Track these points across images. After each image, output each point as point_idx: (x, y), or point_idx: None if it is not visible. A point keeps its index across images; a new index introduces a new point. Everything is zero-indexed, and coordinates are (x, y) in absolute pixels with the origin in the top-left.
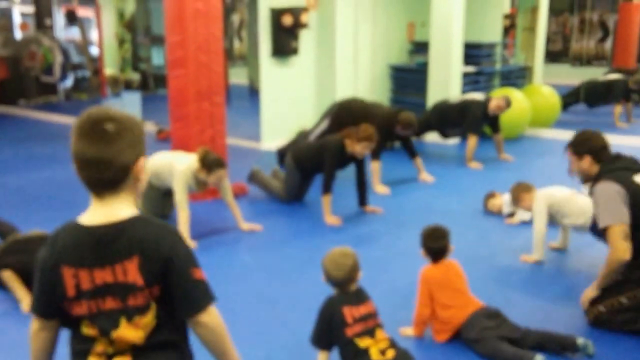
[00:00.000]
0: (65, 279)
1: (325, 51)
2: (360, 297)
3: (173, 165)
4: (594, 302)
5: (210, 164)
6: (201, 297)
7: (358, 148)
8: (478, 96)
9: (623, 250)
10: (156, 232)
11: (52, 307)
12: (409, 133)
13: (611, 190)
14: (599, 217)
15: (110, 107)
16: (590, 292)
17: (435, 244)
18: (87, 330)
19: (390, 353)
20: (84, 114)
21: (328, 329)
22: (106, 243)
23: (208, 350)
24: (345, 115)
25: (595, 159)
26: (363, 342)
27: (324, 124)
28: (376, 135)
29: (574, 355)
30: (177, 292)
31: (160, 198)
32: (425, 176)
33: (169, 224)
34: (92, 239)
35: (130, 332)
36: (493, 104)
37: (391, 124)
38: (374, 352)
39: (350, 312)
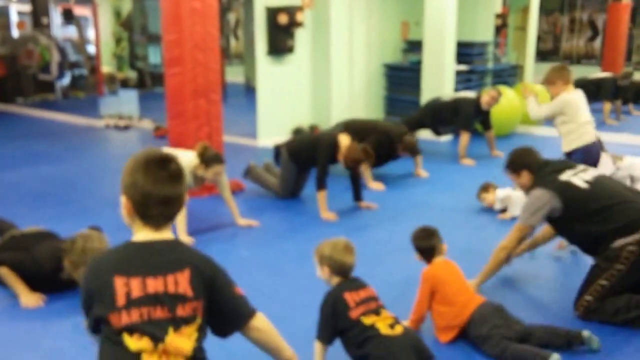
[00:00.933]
0: (117, 288)
1: (321, 50)
2: (358, 283)
3: None
4: (579, 296)
5: (208, 159)
6: (248, 308)
7: (345, 161)
8: (469, 94)
9: (502, 247)
10: (199, 252)
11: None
12: (406, 155)
13: (540, 197)
14: (520, 214)
15: (160, 149)
16: (474, 282)
17: (425, 243)
18: (134, 342)
19: (399, 328)
20: (143, 153)
21: (332, 319)
22: (160, 254)
23: (264, 349)
24: (352, 134)
25: (530, 171)
26: (369, 320)
27: None
28: (365, 156)
29: (578, 349)
30: (225, 307)
31: None
32: (421, 172)
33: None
34: (146, 250)
35: (181, 340)
36: (485, 99)
37: (394, 144)
38: (382, 327)
39: (351, 297)
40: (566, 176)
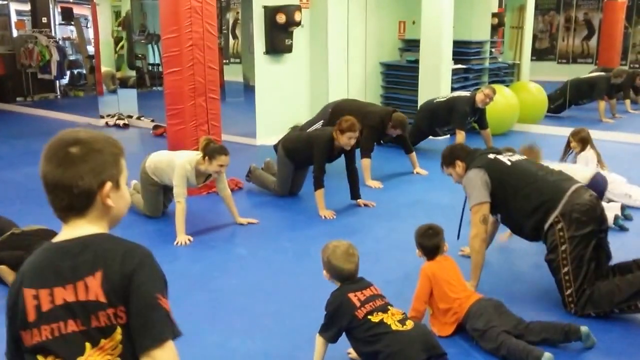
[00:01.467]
0: (27, 301)
1: (318, 49)
2: (362, 283)
3: (173, 160)
4: (561, 296)
5: (212, 151)
6: (161, 328)
7: (344, 139)
8: (464, 93)
9: (473, 236)
10: (125, 247)
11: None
12: (398, 132)
13: (474, 176)
14: (469, 200)
15: (83, 130)
16: (469, 284)
17: (430, 242)
18: None
19: (409, 323)
20: (55, 135)
21: (337, 319)
22: (71, 257)
23: None
24: (339, 115)
25: (462, 160)
26: (376, 317)
27: (318, 125)
28: (359, 125)
29: (576, 347)
30: (134, 317)
31: (158, 193)
32: (420, 170)
33: (142, 246)
34: (56, 253)
35: (101, 358)
36: (479, 97)
37: (384, 124)
38: (392, 323)
39: (355, 297)
40: (493, 155)
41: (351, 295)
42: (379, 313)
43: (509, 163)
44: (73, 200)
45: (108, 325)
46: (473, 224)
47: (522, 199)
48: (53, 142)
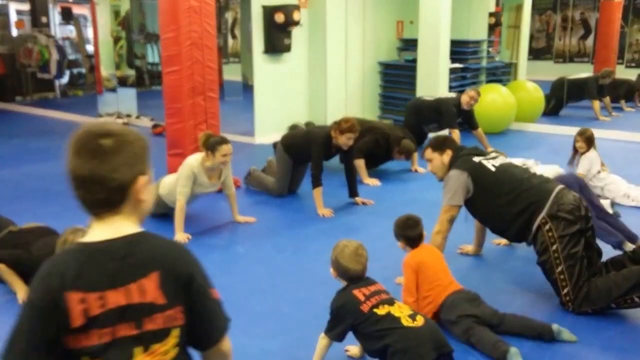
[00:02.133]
0: (71, 306)
1: (317, 48)
2: (367, 280)
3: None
4: (558, 296)
5: (213, 143)
6: (223, 321)
7: (342, 139)
8: (450, 94)
9: (436, 232)
10: (172, 246)
11: (44, 349)
12: (402, 159)
13: (456, 178)
14: (443, 197)
15: (110, 122)
16: None
17: (414, 232)
18: None
19: (420, 319)
20: (81, 128)
21: (343, 317)
22: (115, 260)
23: None
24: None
25: (452, 150)
26: (382, 310)
27: None
28: (359, 127)
29: (551, 342)
30: (198, 315)
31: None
32: (418, 168)
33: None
34: (102, 253)
35: None
36: (464, 99)
37: (390, 146)
38: (402, 317)
39: (360, 292)
40: (478, 159)
41: (355, 291)
42: (385, 305)
43: (493, 169)
44: (109, 194)
45: (163, 328)
46: (440, 221)
47: (506, 205)
48: (81, 135)
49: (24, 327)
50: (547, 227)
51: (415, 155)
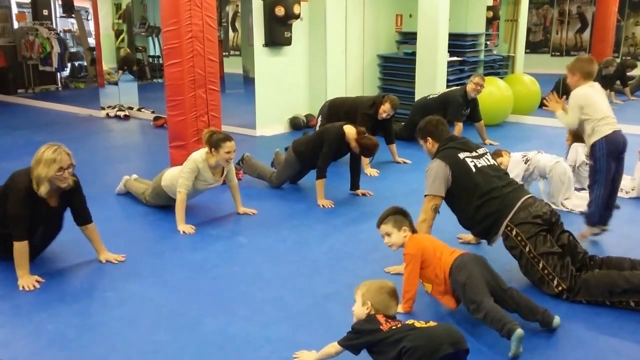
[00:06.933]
0: None
1: (317, 41)
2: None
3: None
4: (556, 283)
5: (217, 140)
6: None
7: (354, 144)
8: (455, 88)
9: (421, 221)
10: None
11: None
12: (390, 113)
13: (439, 169)
14: (426, 187)
15: None
16: None
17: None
18: None
19: (432, 322)
20: None
21: (362, 334)
22: None
23: None
24: (336, 110)
25: (434, 139)
26: (400, 325)
27: (319, 123)
28: (376, 146)
29: (542, 329)
30: None
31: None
32: (399, 159)
33: None
34: None
35: None
36: (470, 87)
37: (375, 107)
38: (416, 323)
39: (383, 317)
40: (463, 155)
41: (379, 316)
42: (404, 323)
43: (474, 169)
44: None
45: None
46: (424, 210)
47: (476, 207)
48: None
49: None
50: (514, 232)
51: (394, 147)
